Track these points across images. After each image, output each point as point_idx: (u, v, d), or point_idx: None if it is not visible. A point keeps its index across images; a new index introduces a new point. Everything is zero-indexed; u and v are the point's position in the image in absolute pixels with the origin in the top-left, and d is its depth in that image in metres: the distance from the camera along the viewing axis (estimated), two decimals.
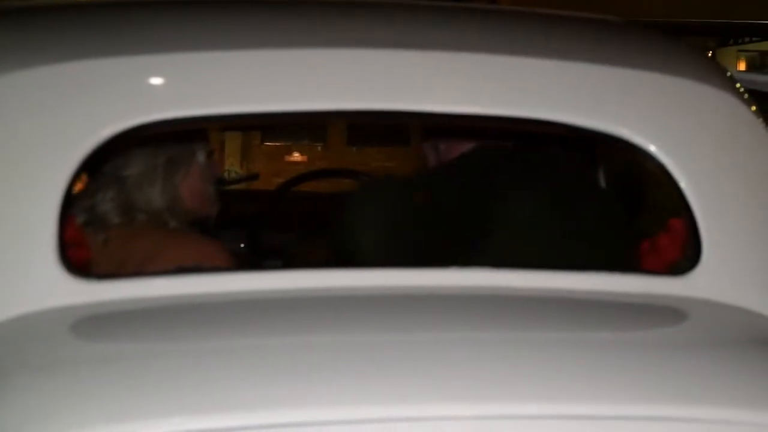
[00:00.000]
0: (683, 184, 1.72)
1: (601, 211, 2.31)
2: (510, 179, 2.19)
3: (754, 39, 14.57)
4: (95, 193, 2.30)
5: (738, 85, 1.87)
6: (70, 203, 1.60)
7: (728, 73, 1.94)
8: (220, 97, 1.65)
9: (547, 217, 2.17)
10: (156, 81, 1.65)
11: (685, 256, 1.79)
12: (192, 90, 1.65)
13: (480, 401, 1.39)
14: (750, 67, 16.18)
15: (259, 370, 1.41)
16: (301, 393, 1.37)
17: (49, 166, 1.58)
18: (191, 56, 1.67)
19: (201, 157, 2.37)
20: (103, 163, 2.30)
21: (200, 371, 1.41)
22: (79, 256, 1.78)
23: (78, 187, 2.27)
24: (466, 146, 2.38)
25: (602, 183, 2.73)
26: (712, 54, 14.88)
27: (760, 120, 1.80)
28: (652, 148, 1.72)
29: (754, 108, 1.81)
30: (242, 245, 3.41)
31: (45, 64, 1.62)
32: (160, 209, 2.31)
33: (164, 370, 1.41)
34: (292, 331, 1.55)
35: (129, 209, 2.29)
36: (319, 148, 14.61)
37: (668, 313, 1.72)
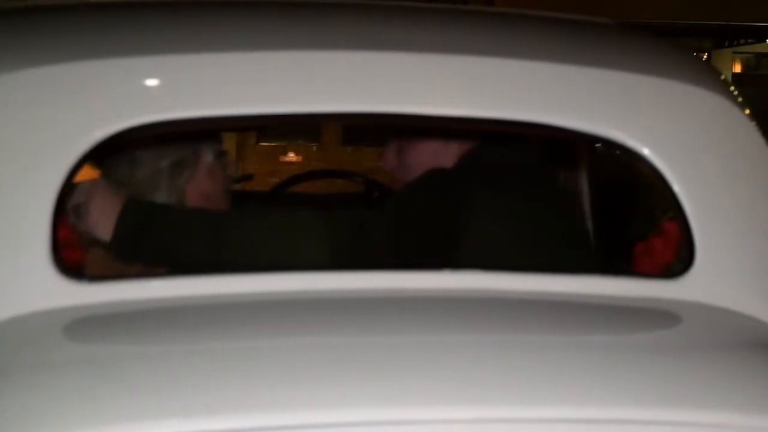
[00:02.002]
0: (677, 188, 1.72)
1: (568, 216, 2.32)
2: (475, 193, 2.19)
3: (749, 41, 14.61)
4: None
5: (732, 87, 1.87)
6: (63, 205, 1.59)
7: (722, 76, 1.94)
8: (213, 99, 1.65)
9: (513, 224, 2.17)
10: (149, 83, 1.65)
11: (678, 259, 1.80)
12: (185, 92, 1.65)
13: (476, 404, 1.39)
14: (745, 69, 16.20)
15: (252, 372, 1.41)
16: (294, 395, 1.37)
17: (43, 167, 1.58)
18: (184, 58, 1.67)
19: (209, 157, 2.36)
20: (110, 168, 2.30)
21: (193, 373, 1.41)
22: (72, 257, 1.78)
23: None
24: (430, 146, 2.38)
25: (580, 185, 2.74)
26: (708, 56, 14.90)
27: (754, 123, 1.80)
28: (646, 152, 1.72)
29: (747, 111, 1.81)
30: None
31: (37, 66, 1.61)
32: None
33: (156, 372, 1.41)
34: (285, 334, 1.55)
35: None
36: (314, 148, 14.61)
37: (661, 316, 1.72)
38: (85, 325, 1.58)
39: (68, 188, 1.60)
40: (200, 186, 2.34)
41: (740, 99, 1.82)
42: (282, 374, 1.41)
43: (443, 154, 2.40)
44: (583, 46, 1.88)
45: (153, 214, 2.07)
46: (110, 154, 2.27)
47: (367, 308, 1.63)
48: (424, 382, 1.41)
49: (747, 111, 1.80)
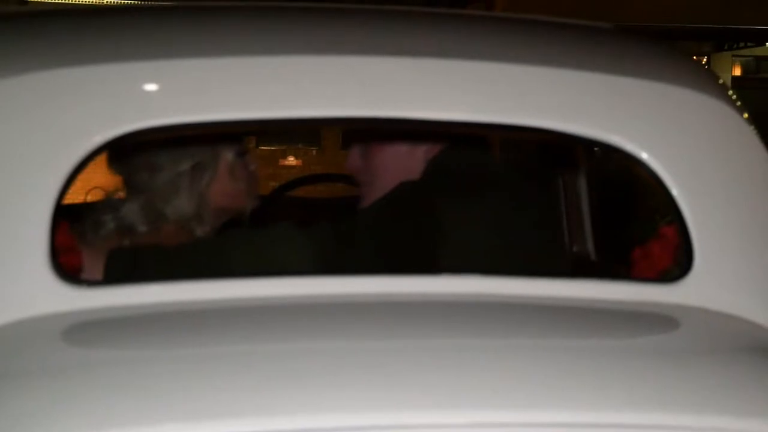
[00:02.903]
0: (675, 192, 1.72)
1: (543, 217, 2.31)
2: (449, 204, 2.19)
3: (749, 44, 14.63)
4: (124, 203, 2.30)
5: (730, 92, 1.87)
6: (61, 209, 1.59)
7: (720, 81, 1.94)
8: (212, 104, 1.65)
9: (490, 230, 2.16)
10: (147, 88, 1.64)
11: (676, 263, 1.80)
12: (184, 96, 1.65)
13: (471, 409, 1.39)
14: (745, 72, 16.23)
15: (249, 376, 1.41)
16: (290, 400, 1.37)
17: (41, 172, 1.58)
18: (183, 63, 1.67)
19: (229, 156, 2.36)
20: (128, 175, 2.30)
21: (191, 378, 1.41)
22: (70, 262, 1.78)
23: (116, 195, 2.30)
24: (397, 148, 2.38)
25: (579, 189, 2.73)
26: (708, 59, 14.92)
27: (753, 127, 1.80)
28: (644, 156, 1.72)
29: (746, 115, 1.81)
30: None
31: (36, 71, 1.61)
32: (188, 216, 2.30)
33: (155, 376, 1.41)
34: (282, 338, 1.55)
35: (157, 218, 2.29)
36: (314, 152, 14.63)
37: (659, 320, 1.71)
38: (84, 330, 1.58)
39: (67, 192, 1.60)
40: (222, 187, 2.34)
41: (739, 103, 1.82)
42: (279, 378, 1.41)
43: (410, 157, 2.38)
44: (581, 51, 1.88)
45: (137, 258, 2.10)
46: (128, 160, 2.28)
47: (362, 313, 1.62)
48: (419, 386, 1.41)
49: (746, 115, 1.80)
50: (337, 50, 1.74)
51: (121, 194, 2.36)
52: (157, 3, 1.97)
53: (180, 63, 1.66)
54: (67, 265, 1.70)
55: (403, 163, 2.38)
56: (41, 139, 1.58)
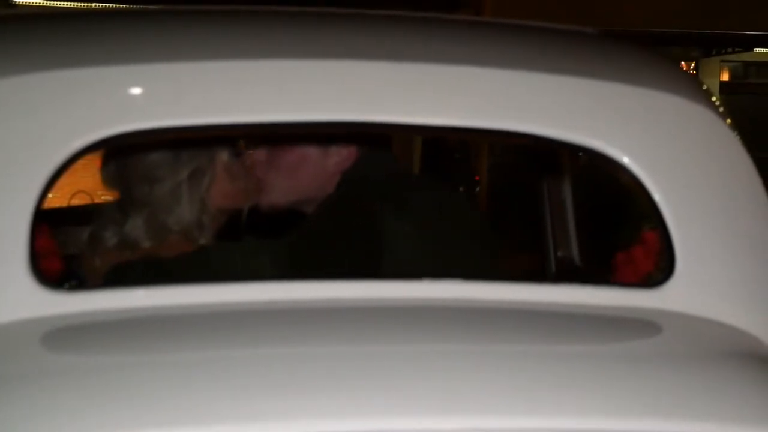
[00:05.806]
0: (657, 197, 1.72)
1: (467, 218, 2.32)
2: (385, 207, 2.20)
3: (736, 49, 14.64)
4: (126, 219, 2.29)
5: (713, 97, 1.87)
6: (42, 214, 1.59)
7: (704, 86, 1.94)
8: (193, 108, 1.64)
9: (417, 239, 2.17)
10: (129, 92, 1.64)
11: (658, 268, 1.80)
12: (165, 101, 1.64)
13: (458, 414, 1.39)
14: (733, 77, 16.24)
15: (232, 382, 1.41)
16: (277, 405, 1.37)
17: (21, 176, 1.57)
18: (164, 67, 1.66)
19: (225, 157, 2.35)
20: (127, 188, 2.30)
21: (171, 383, 1.40)
22: (50, 267, 1.77)
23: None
24: (302, 154, 2.39)
25: (563, 195, 2.74)
26: (696, 64, 14.94)
27: (735, 132, 1.80)
28: (626, 160, 1.72)
29: (729, 120, 1.81)
30: None
31: (15, 75, 1.61)
32: (191, 224, 2.30)
33: (136, 381, 1.40)
34: (266, 343, 1.54)
35: (161, 231, 2.29)
36: None
37: (641, 325, 1.72)
38: (63, 335, 1.57)
39: (47, 197, 1.60)
40: (221, 189, 2.34)
41: (721, 108, 1.82)
42: (262, 384, 1.40)
43: (319, 166, 2.40)
44: (564, 55, 1.88)
45: (133, 273, 2.11)
46: (125, 174, 2.28)
47: (352, 318, 1.62)
48: (409, 392, 1.41)
49: (728, 120, 1.80)
50: (320, 54, 1.74)
51: (109, 198, 2.35)
52: (140, 7, 1.97)
53: (160, 67, 1.66)
54: (47, 269, 1.69)
55: (312, 171, 2.40)
56: (21, 143, 1.58)
